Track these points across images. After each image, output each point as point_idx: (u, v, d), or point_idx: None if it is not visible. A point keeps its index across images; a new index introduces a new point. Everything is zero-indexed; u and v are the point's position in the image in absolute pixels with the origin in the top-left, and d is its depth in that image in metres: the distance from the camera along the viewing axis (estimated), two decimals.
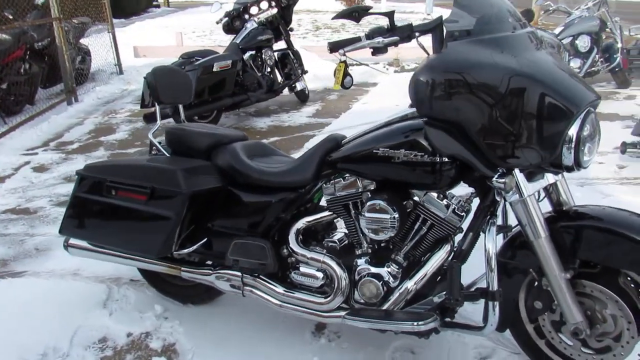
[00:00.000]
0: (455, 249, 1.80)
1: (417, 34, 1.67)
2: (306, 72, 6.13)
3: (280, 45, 5.99)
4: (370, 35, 1.65)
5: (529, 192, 1.62)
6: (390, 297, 1.84)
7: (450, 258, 1.79)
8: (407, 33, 1.64)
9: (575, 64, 5.81)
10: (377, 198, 1.79)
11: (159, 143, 2.25)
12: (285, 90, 5.99)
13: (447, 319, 1.81)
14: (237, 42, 5.46)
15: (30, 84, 6.14)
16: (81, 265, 2.74)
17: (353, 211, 1.90)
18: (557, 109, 1.49)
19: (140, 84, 7.43)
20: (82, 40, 7.69)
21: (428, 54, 1.66)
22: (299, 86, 6.07)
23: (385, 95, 6.38)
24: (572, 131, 1.51)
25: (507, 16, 1.67)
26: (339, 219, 2.00)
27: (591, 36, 5.97)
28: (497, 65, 1.51)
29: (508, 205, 1.71)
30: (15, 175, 4.28)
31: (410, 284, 1.81)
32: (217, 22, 5.82)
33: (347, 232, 1.99)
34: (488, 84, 1.51)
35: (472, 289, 1.80)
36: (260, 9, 5.70)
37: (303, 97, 6.26)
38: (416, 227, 1.82)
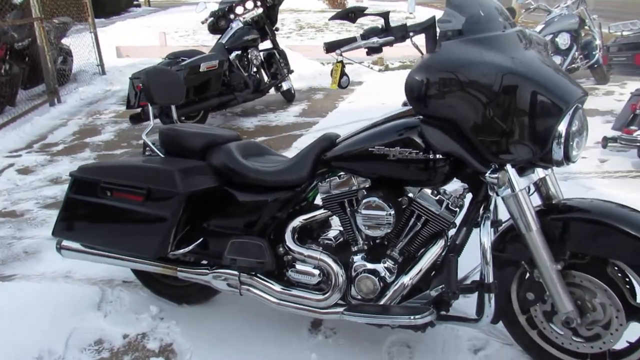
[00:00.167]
0: (449, 244, 1.84)
1: (411, 33, 1.70)
2: (292, 71, 6.15)
3: (266, 45, 6.00)
4: (366, 36, 1.68)
5: (521, 187, 1.67)
6: (387, 293, 1.88)
7: (444, 253, 1.84)
8: (401, 33, 1.67)
9: (555, 61, 5.92)
10: (373, 195, 1.82)
11: (153, 144, 2.25)
12: (272, 90, 6.01)
13: (443, 313, 1.85)
14: (223, 42, 5.45)
15: (11, 85, 6.05)
16: (72, 267, 2.73)
17: (348, 209, 1.93)
18: (548, 106, 1.54)
19: (124, 85, 7.40)
20: (63, 41, 7.60)
21: (422, 53, 1.70)
22: (285, 86, 6.09)
23: (370, 94, 6.43)
24: (562, 127, 1.56)
25: (497, 16, 1.71)
26: (333, 217, 2.03)
27: (571, 34, 6.10)
28: (489, 63, 1.55)
29: (499, 200, 1.76)
30: None
31: (406, 279, 1.85)
32: (203, 22, 5.80)
33: (342, 229, 2.02)
34: (481, 82, 1.55)
35: (466, 282, 1.85)
36: (245, 8, 5.70)
37: (289, 97, 6.28)
38: (411, 223, 1.86)
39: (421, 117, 1.70)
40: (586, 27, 6.29)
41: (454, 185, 1.85)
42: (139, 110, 4.89)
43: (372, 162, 1.80)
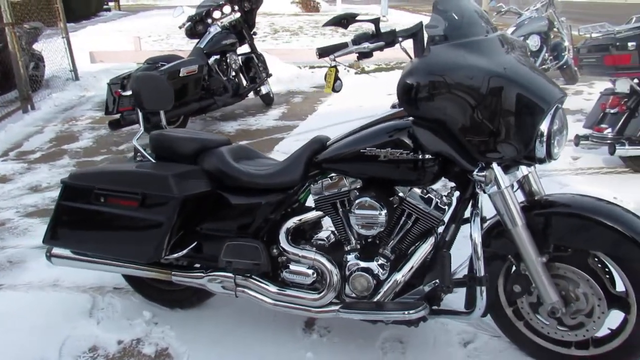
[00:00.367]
0: (438, 241, 1.91)
1: (400, 38, 1.76)
2: (270, 75, 6.18)
3: (244, 49, 6.02)
4: (357, 41, 1.73)
5: (506, 184, 1.75)
6: (381, 290, 1.94)
7: (434, 249, 1.91)
8: (391, 38, 1.73)
9: None
10: (365, 195, 1.87)
11: (143, 149, 2.26)
12: (250, 94, 6.03)
13: (435, 307, 1.92)
14: (202, 46, 5.45)
15: None
16: (60, 275, 2.71)
17: (341, 209, 1.99)
18: (531, 107, 1.63)
19: (99, 90, 7.33)
20: (34, 46, 7.47)
21: (411, 57, 1.77)
22: (264, 90, 6.13)
23: (348, 97, 6.49)
24: (544, 126, 1.65)
25: (480, 21, 1.80)
26: (325, 217, 2.08)
27: (541, 35, 6.30)
28: (476, 67, 1.63)
29: (484, 198, 1.84)
30: None
31: (398, 276, 1.91)
32: (180, 27, 5.79)
33: (334, 229, 2.07)
34: (469, 84, 1.62)
35: (457, 277, 1.92)
36: (223, 13, 5.71)
37: (268, 101, 6.31)
38: (402, 221, 1.92)
39: (412, 118, 1.77)
40: (555, 29, 6.51)
41: (442, 184, 1.92)
42: (117, 116, 4.86)
43: (364, 163, 1.86)
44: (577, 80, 6.57)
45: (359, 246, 1.99)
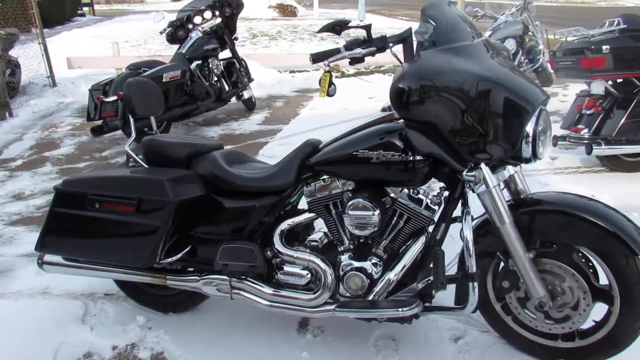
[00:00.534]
0: (430, 239, 1.97)
1: (390, 44, 1.82)
2: (252, 80, 6.21)
3: (225, 54, 6.04)
4: (349, 47, 1.79)
5: (494, 183, 1.82)
6: (374, 289, 1.98)
7: (424, 248, 1.96)
8: (382, 44, 1.79)
9: None
10: (358, 197, 1.92)
11: (136, 154, 2.27)
12: (233, 99, 6.04)
13: (427, 304, 1.98)
14: (183, 52, 5.46)
15: None
16: (50, 283, 2.69)
17: (334, 210, 2.03)
18: (517, 109, 1.70)
19: (77, 97, 7.27)
20: (10, 52, 7.35)
21: (401, 62, 1.82)
22: (246, 94, 6.15)
23: (329, 100, 6.54)
24: (530, 127, 1.72)
25: (465, 26, 1.87)
26: (317, 219, 2.12)
27: (516, 39, 6.47)
28: (464, 71, 1.69)
29: (472, 197, 1.90)
30: None
31: (392, 275, 1.96)
32: (161, 32, 5.77)
33: (327, 230, 2.11)
34: (458, 88, 1.68)
35: (448, 274, 1.97)
36: (204, 18, 5.73)
37: (250, 105, 6.33)
38: (394, 221, 1.97)
39: (403, 121, 1.82)
40: (530, 33, 6.69)
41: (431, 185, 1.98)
42: (100, 122, 4.82)
43: (356, 165, 1.91)
44: (552, 83, 6.75)
45: (352, 246, 2.04)
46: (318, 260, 2.03)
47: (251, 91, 6.25)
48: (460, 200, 1.93)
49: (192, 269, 2.26)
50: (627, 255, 1.75)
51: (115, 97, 4.60)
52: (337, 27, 1.73)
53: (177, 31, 5.71)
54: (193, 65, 5.47)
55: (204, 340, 2.26)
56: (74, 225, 2.12)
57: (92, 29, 15.34)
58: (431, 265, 1.91)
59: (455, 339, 2.20)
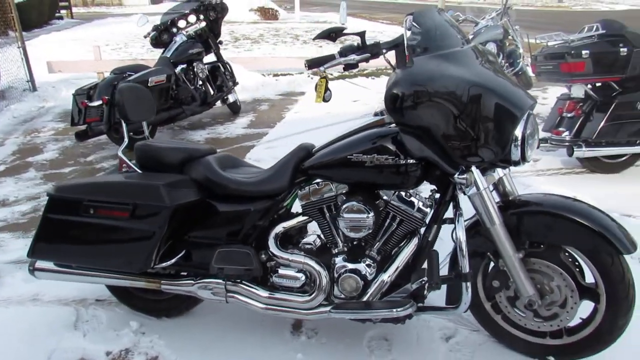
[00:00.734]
0: (422, 241, 2.01)
1: (384, 50, 1.86)
2: (237, 83, 6.21)
3: (210, 58, 6.03)
4: (344, 53, 1.82)
5: (485, 186, 1.87)
6: (369, 290, 2.02)
7: (417, 249, 2.00)
8: (375, 50, 1.83)
9: None
10: (353, 200, 1.96)
11: (129, 160, 2.27)
12: (217, 103, 6.03)
13: (420, 304, 2.02)
14: (168, 55, 5.44)
15: None
16: (40, 290, 2.67)
17: (328, 213, 2.06)
18: (507, 113, 1.75)
19: (59, 101, 7.17)
20: None
21: (394, 67, 1.87)
22: (231, 98, 6.15)
23: (314, 104, 6.58)
24: (518, 131, 1.78)
25: (454, 33, 1.92)
26: (310, 222, 2.15)
27: (497, 43, 6.58)
28: (456, 77, 1.74)
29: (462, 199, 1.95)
30: None
31: (385, 276, 2.00)
32: (145, 36, 5.74)
33: (320, 233, 2.14)
34: (450, 93, 1.73)
35: (441, 275, 2.02)
36: (188, 22, 5.71)
37: (235, 109, 6.33)
38: (387, 223, 2.01)
39: (394, 125, 1.87)
40: (510, 37, 6.81)
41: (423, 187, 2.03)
42: (84, 127, 4.79)
43: (350, 169, 1.94)
44: (531, 86, 6.89)
45: (345, 249, 2.07)
46: (313, 263, 2.06)
47: (236, 95, 6.26)
48: (451, 203, 1.98)
49: (185, 273, 2.27)
50: (612, 254, 1.82)
51: (100, 102, 4.57)
52: (333, 34, 1.76)
53: (161, 35, 5.68)
54: (178, 69, 5.45)
55: (198, 344, 2.26)
56: (67, 232, 2.11)
57: (71, 32, 15.13)
58: (424, 266, 1.96)
59: (446, 338, 2.24)
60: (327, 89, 1.91)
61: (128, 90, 2.29)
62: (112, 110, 4.57)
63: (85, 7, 28.38)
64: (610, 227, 1.82)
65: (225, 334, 2.32)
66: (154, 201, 2.00)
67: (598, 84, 3.87)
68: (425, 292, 2.00)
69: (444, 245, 2.06)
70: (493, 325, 2.14)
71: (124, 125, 2.36)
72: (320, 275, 2.04)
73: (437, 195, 2.02)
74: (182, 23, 5.70)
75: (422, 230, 2.03)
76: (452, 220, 1.99)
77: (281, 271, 2.13)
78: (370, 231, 1.98)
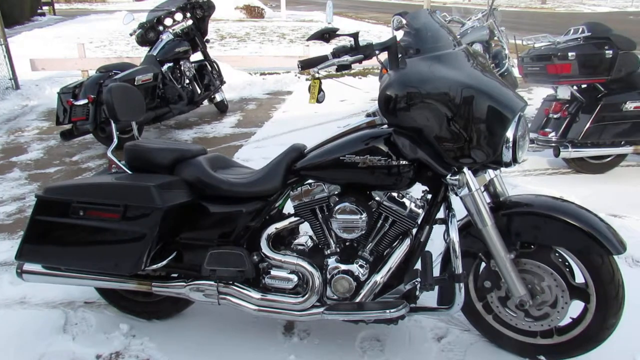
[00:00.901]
0: (414, 242, 2.02)
1: (377, 52, 1.86)
2: (224, 82, 6.18)
3: (197, 56, 5.99)
4: (337, 54, 1.82)
5: (477, 187, 1.88)
6: (361, 291, 2.02)
7: (409, 250, 2.01)
8: (368, 51, 1.83)
9: None
10: (345, 201, 1.96)
11: (118, 160, 2.24)
12: (205, 102, 5.99)
13: (412, 305, 2.03)
14: (154, 54, 5.39)
15: None
16: (26, 293, 2.63)
17: (320, 215, 2.06)
18: (499, 115, 1.77)
19: (42, 99, 7.07)
20: None
21: (386, 68, 1.87)
22: (218, 97, 6.12)
23: (302, 103, 6.59)
24: (510, 133, 1.79)
25: (446, 35, 1.93)
26: (302, 223, 2.14)
27: (483, 44, 6.64)
28: (448, 79, 1.75)
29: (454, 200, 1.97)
30: None
31: (378, 277, 2.01)
32: (131, 34, 5.68)
33: (312, 234, 2.14)
34: (443, 95, 1.74)
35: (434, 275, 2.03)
36: (174, 20, 5.67)
37: (222, 108, 6.30)
38: (379, 224, 2.02)
39: (388, 126, 1.87)
40: (495, 38, 6.88)
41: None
42: (69, 126, 4.72)
43: (343, 170, 1.94)
44: (517, 87, 6.94)
45: (338, 249, 2.07)
46: (305, 264, 2.05)
47: (223, 94, 6.22)
48: (443, 204, 1.99)
49: (177, 275, 2.25)
50: (602, 254, 1.84)
51: (85, 101, 4.52)
52: (326, 34, 1.76)
53: (147, 33, 5.62)
54: (164, 67, 5.41)
55: (190, 346, 2.25)
56: (56, 233, 2.07)
57: (54, 29, 14.91)
58: (416, 267, 1.97)
59: (438, 338, 2.26)
60: (320, 90, 1.90)
61: (118, 89, 2.26)
62: (98, 109, 4.51)
63: (68, 3, 27.98)
64: (599, 227, 1.85)
65: (217, 335, 2.31)
66: (145, 202, 1.98)
67: (584, 86, 3.93)
68: (418, 292, 2.02)
69: (434, 246, 2.07)
70: (484, 325, 2.16)
71: (112, 125, 2.33)
72: (313, 277, 2.04)
73: (429, 196, 2.03)
74: (168, 21, 5.65)
75: (414, 231, 2.04)
76: (442, 221, 2.01)
77: (273, 272, 2.12)
78: (362, 232, 1.98)
